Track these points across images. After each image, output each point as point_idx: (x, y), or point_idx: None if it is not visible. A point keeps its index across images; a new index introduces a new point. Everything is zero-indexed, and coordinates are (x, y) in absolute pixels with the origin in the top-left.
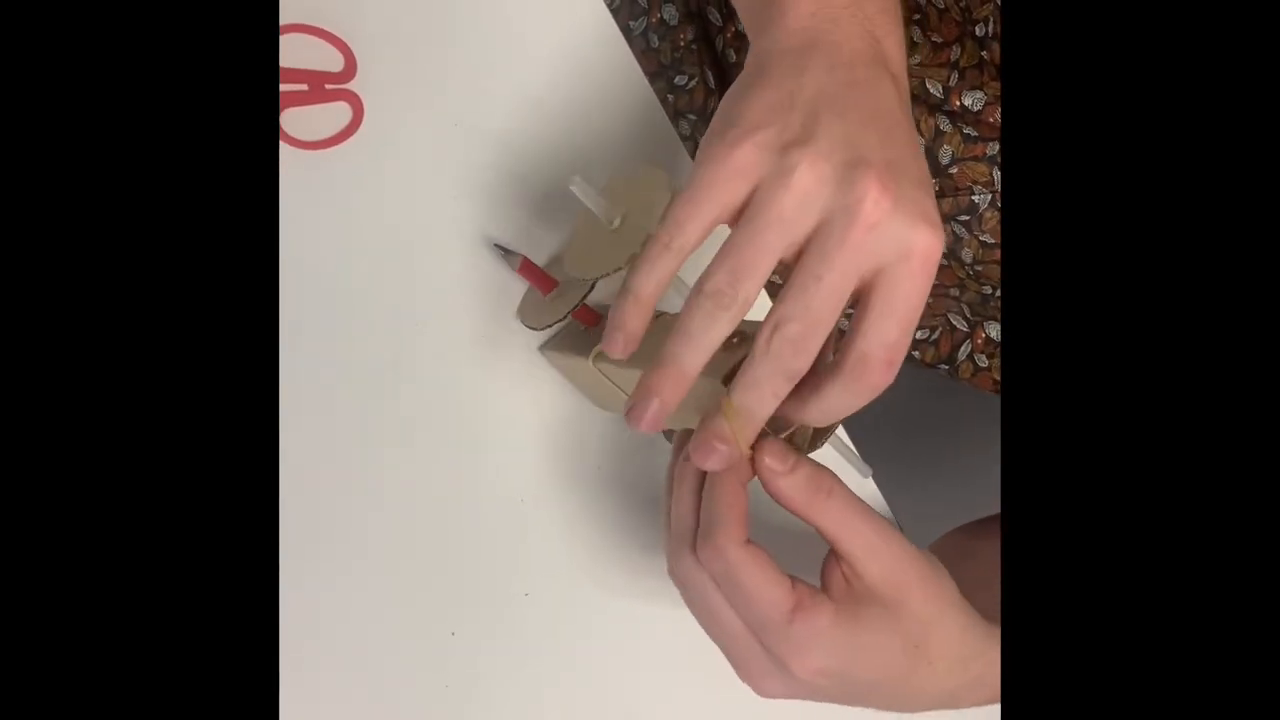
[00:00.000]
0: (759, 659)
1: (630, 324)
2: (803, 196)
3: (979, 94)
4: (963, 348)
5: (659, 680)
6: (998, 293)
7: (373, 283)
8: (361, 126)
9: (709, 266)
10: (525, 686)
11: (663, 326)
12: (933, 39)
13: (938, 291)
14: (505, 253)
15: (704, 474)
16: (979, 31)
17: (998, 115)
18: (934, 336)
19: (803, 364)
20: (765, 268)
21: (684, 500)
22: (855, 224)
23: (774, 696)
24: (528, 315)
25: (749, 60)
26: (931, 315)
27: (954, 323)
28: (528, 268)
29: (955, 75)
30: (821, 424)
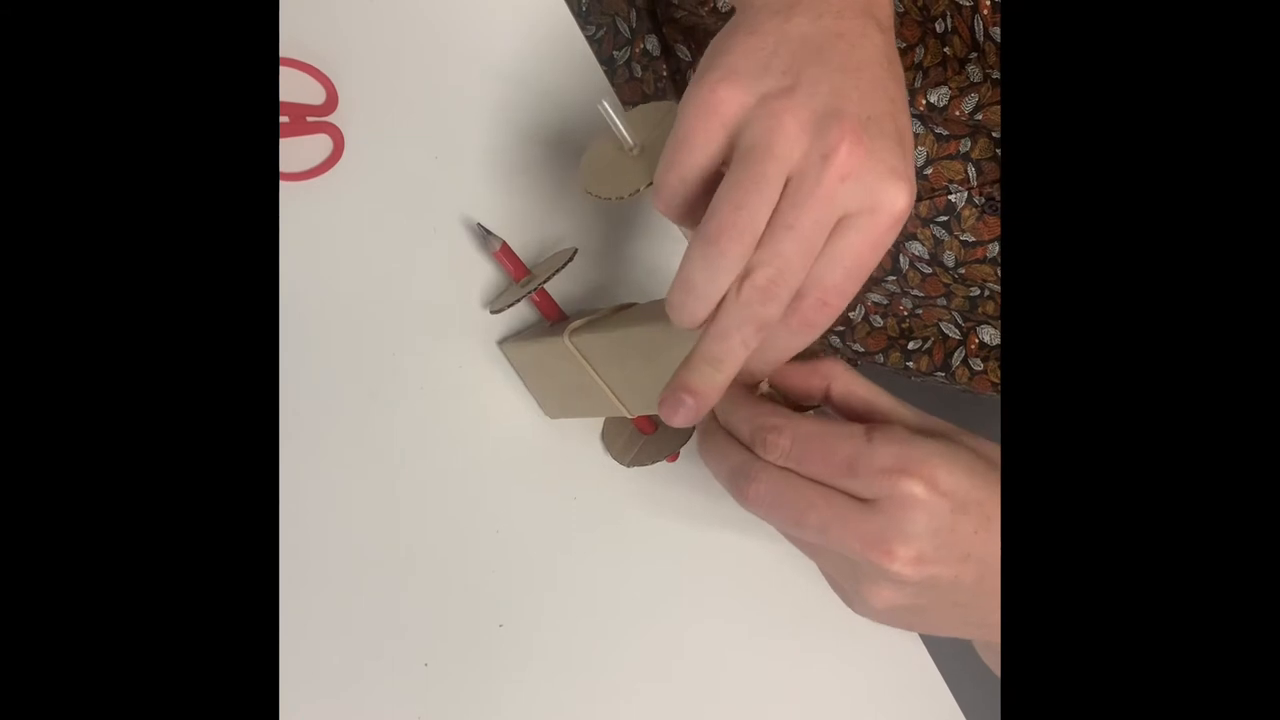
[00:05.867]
0: (855, 514)
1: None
2: (786, 144)
3: (943, 89)
4: (956, 354)
5: (634, 713)
6: (985, 293)
7: (352, 313)
8: (342, 158)
9: (707, 214)
10: (499, 719)
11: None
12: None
13: (926, 304)
14: (487, 234)
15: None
16: (939, 28)
17: (963, 107)
18: (927, 346)
19: (773, 312)
20: (763, 213)
21: (722, 445)
22: (828, 173)
23: (880, 542)
24: (495, 301)
25: (738, 11)
26: (923, 327)
27: (946, 331)
28: (505, 252)
29: (920, 76)
30: (764, 369)
